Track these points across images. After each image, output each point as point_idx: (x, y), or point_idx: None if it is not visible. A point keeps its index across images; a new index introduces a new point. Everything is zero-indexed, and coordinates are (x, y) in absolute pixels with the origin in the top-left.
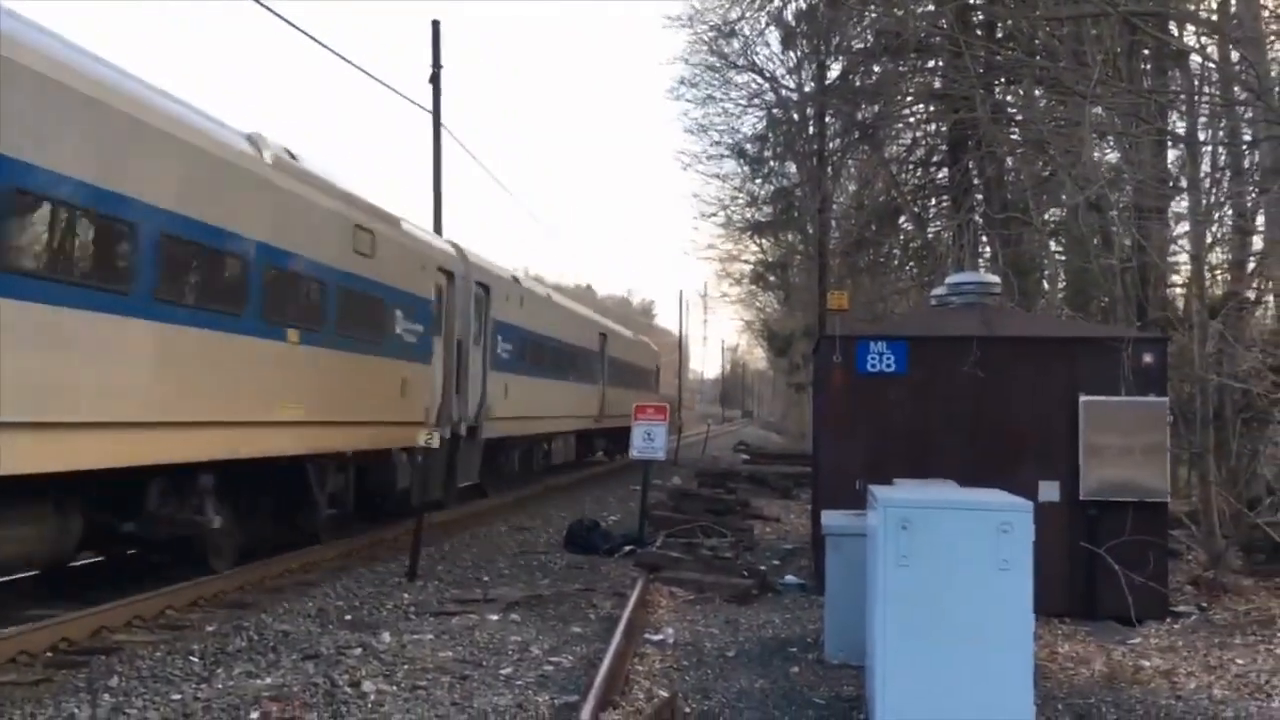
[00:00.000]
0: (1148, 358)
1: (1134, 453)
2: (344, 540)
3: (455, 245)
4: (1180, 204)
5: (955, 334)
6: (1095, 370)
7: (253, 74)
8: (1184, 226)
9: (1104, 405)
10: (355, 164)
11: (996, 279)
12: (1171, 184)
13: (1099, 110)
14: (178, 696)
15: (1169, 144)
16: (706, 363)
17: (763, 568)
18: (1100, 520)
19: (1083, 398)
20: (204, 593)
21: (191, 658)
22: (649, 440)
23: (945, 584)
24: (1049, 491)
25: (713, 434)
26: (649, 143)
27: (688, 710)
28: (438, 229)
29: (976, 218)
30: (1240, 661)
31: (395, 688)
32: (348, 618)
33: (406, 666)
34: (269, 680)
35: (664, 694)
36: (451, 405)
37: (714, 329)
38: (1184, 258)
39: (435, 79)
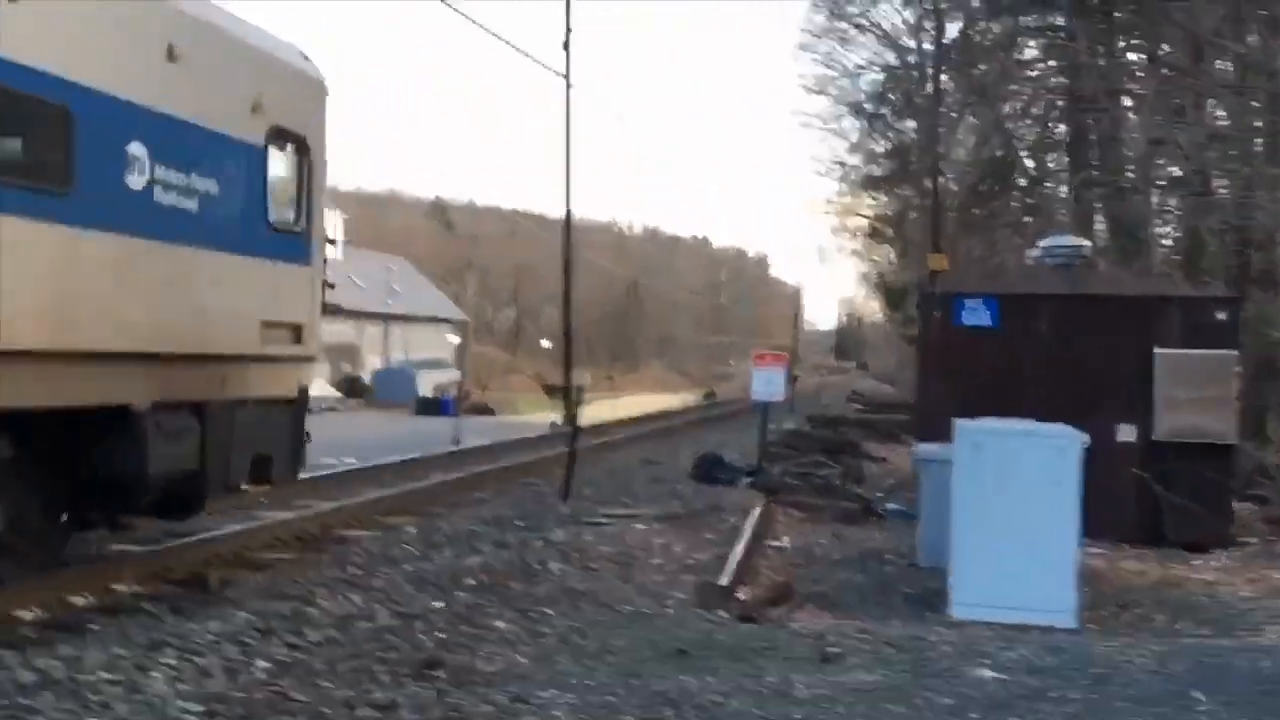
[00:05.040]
0: (1221, 315)
1: (1203, 400)
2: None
3: None
4: None
5: (1041, 291)
6: (1169, 325)
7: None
8: None
9: (1176, 357)
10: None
11: (1086, 242)
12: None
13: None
14: (409, 568)
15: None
16: (821, 315)
17: (868, 497)
18: (1171, 459)
19: (1157, 350)
20: (394, 501)
21: (406, 545)
22: (769, 384)
23: (1008, 496)
24: (1126, 433)
25: (826, 384)
26: (768, 104)
27: (801, 592)
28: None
29: (1092, 173)
30: (1278, 576)
31: (573, 568)
32: (518, 523)
33: (578, 555)
34: (475, 560)
35: (782, 579)
36: None
37: (830, 282)
38: None
39: (567, 45)
